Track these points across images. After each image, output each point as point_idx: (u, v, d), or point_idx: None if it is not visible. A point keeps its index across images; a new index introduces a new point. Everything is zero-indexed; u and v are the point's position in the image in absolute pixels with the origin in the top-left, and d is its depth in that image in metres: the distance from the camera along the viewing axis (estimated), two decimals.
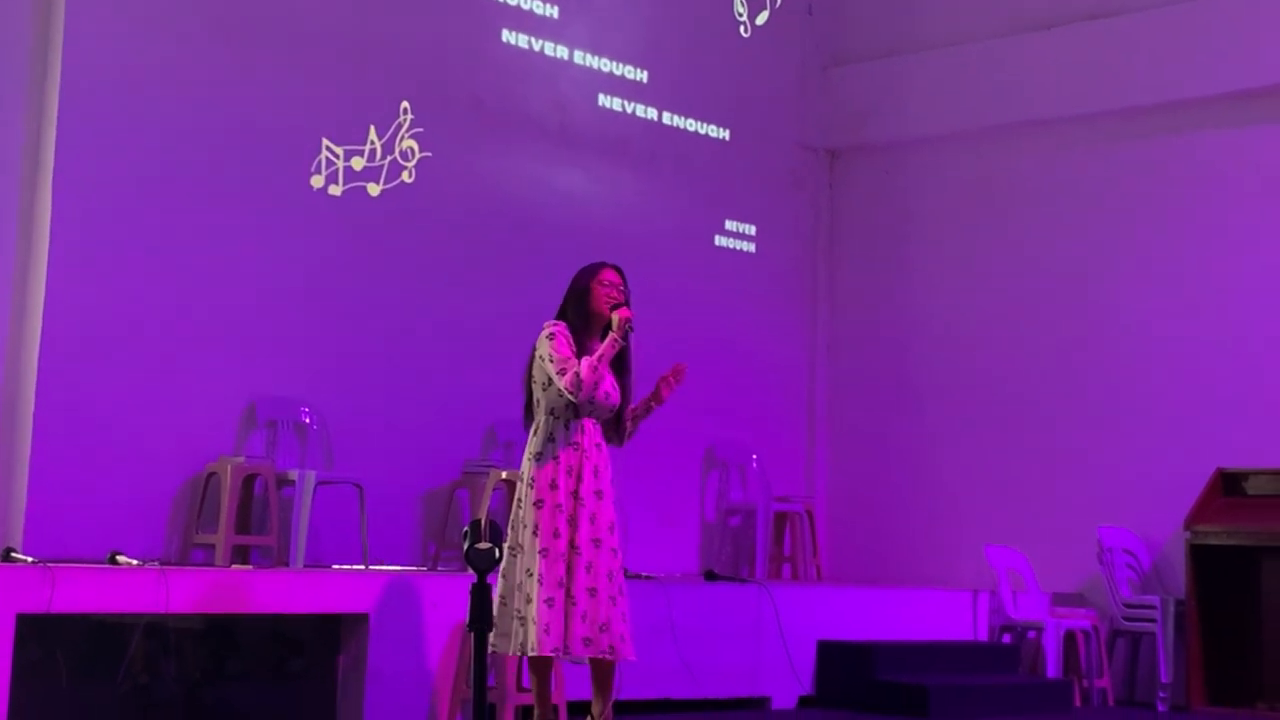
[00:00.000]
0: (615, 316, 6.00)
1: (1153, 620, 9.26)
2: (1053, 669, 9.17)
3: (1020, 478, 10.43)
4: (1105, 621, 9.54)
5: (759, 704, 8.30)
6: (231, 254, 8.23)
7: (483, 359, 9.18)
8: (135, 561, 6.70)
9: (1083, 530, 9.75)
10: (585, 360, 5.94)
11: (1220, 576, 9.28)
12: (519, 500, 6.01)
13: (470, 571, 5.23)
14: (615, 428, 6.15)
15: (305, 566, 7.77)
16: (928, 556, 10.67)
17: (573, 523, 5.96)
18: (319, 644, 7.02)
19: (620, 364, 6.09)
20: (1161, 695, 9.20)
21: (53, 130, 7.66)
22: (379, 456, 8.60)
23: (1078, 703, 9.08)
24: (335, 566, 7.97)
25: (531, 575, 5.88)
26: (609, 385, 6.03)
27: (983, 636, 9.49)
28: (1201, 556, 9.25)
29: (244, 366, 8.23)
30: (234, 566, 7.30)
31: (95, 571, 6.31)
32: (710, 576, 8.98)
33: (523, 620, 5.87)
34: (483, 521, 5.25)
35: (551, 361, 5.95)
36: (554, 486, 5.95)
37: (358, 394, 8.64)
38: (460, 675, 7.02)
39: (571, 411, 6.01)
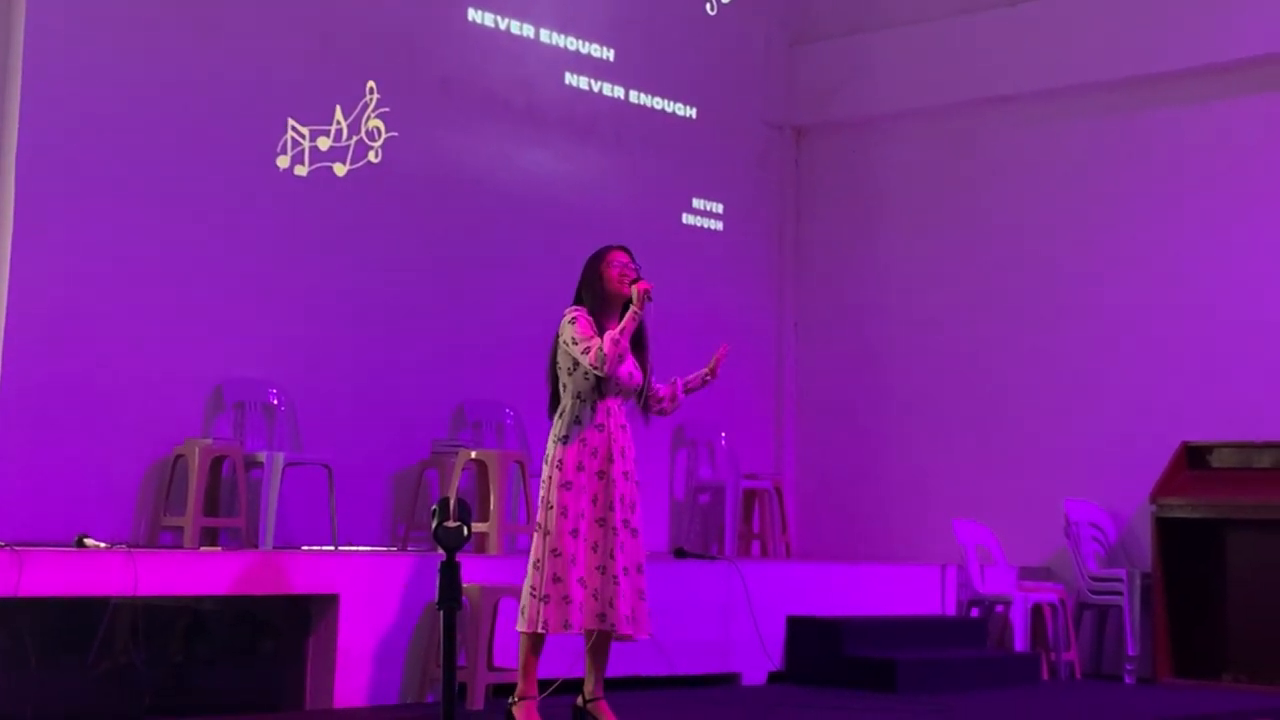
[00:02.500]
0: (634, 290, 6.09)
1: (1119, 593, 9.33)
2: (1020, 642, 9.22)
3: (987, 453, 10.49)
4: (1072, 595, 9.60)
5: (729, 680, 8.33)
6: (197, 235, 8.20)
7: (451, 339, 9.19)
8: (103, 544, 6.68)
9: (1049, 504, 9.82)
10: (607, 335, 6.04)
11: (1186, 549, 9.34)
12: (545, 481, 6.10)
13: (440, 550, 5.25)
14: (642, 404, 6.28)
15: (274, 548, 7.75)
16: (896, 532, 10.72)
17: (603, 503, 6.08)
18: (289, 625, 7.01)
19: (638, 342, 6.21)
20: (1128, 668, 9.27)
21: (15, 113, 7.61)
22: (347, 437, 8.60)
23: (1045, 676, 9.14)
24: (304, 548, 7.96)
25: (560, 556, 5.99)
26: (630, 365, 6.15)
27: (950, 611, 9.54)
28: (1167, 529, 9.32)
29: (211, 348, 8.21)
30: (203, 549, 7.29)
31: (63, 554, 6.29)
32: (680, 554, 9.00)
33: (545, 600, 5.96)
34: (451, 500, 5.27)
35: (575, 343, 6.05)
36: (581, 468, 6.07)
37: (325, 375, 8.63)
38: (430, 654, 7.03)
39: (597, 393, 6.11)
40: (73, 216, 7.77)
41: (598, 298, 6.19)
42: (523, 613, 6.05)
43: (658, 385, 6.33)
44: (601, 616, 6.04)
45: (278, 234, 8.54)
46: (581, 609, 5.97)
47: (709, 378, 6.35)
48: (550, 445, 6.15)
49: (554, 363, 6.22)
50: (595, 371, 6.04)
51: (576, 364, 6.10)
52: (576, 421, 6.11)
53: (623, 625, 6.04)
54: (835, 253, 11.45)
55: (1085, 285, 10.25)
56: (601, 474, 6.11)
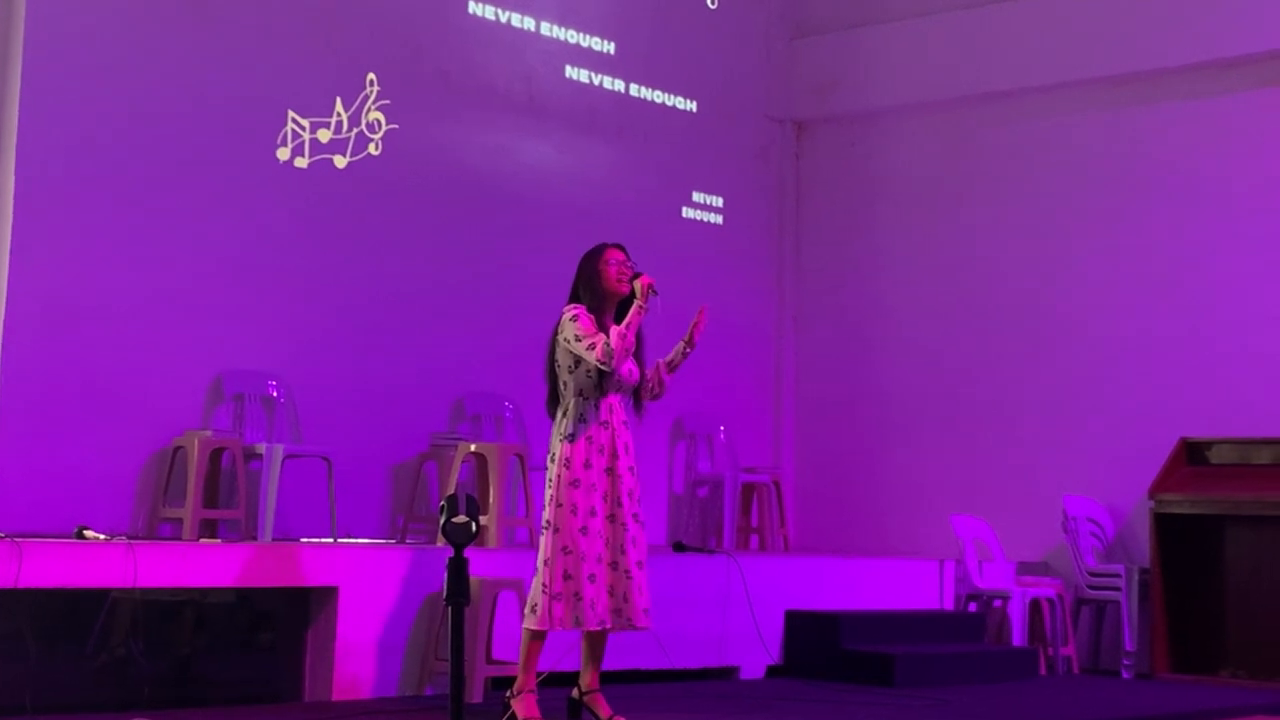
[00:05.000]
0: (638, 285, 6.11)
1: (1117, 589, 9.34)
2: (1018, 637, 9.22)
3: (986, 447, 10.49)
4: (1070, 590, 9.61)
5: (728, 674, 8.33)
6: (197, 226, 8.19)
7: (451, 331, 9.19)
8: (103, 536, 6.68)
9: (1048, 499, 9.82)
10: (614, 330, 6.05)
11: (1184, 545, 9.35)
12: (551, 480, 6.09)
13: (443, 544, 5.24)
14: (637, 402, 6.33)
15: (273, 540, 7.76)
16: (894, 526, 10.72)
17: (612, 499, 6.11)
18: (288, 617, 7.01)
19: (636, 338, 6.19)
20: (1126, 663, 9.29)
21: (15, 103, 7.60)
22: (346, 429, 8.60)
23: (1043, 671, 9.15)
24: (304, 540, 7.96)
25: (570, 553, 6.00)
26: (630, 362, 6.17)
27: (949, 605, 9.55)
28: (1165, 525, 9.32)
29: (210, 340, 8.21)
30: (202, 540, 7.29)
31: (63, 546, 6.29)
32: (678, 547, 9.00)
33: (557, 597, 5.97)
34: (459, 495, 5.25)
35: (579, 340, 6.05)
36: (588, 465, 6.08)
37: (325, 367, 8.63)
38: (429, 647, 7.03)
39: (599, 391, 6.12)
40: (73, 208, 7.76)
41: (596, 296, 6.18)
42: (533, 610, 6.03)
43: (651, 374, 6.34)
44: (617, 612, 6.06)
45: (278, 226, 8.53)
46: (593, 606, 5.98)
47: (688, 349, 6.27)
48: (555, 443, 6.15)
49: (553, 361, 6.21)
50: (602, 366, 6.02)
51: (578, 362, 6.10)
52: (581, 419, 6.11)
53: (639, 619, 6.08)
54: (835, 246, 11.45)
55: (1085, 279, 10.25)
56: (609, 470, 6.13)
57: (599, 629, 6.07)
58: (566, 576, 6.00)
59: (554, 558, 6.01)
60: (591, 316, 6.13)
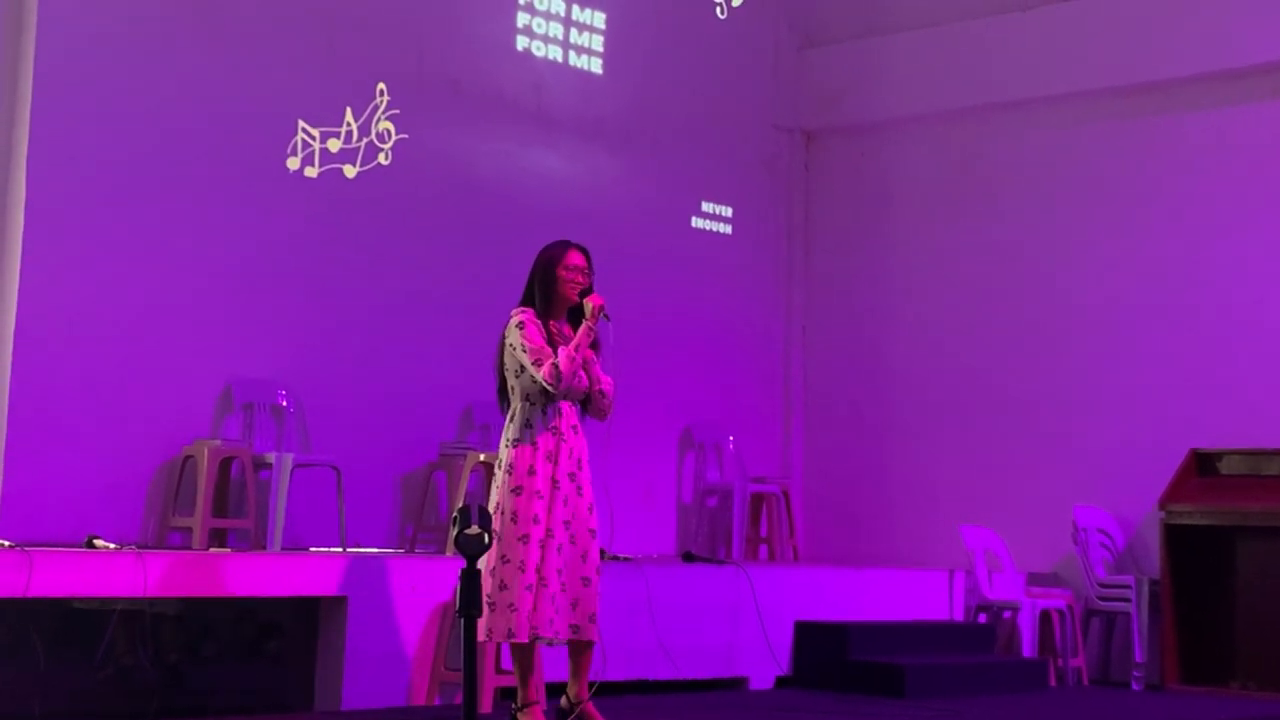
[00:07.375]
0: (588, 304, 6.00)
1: (1127, 600, 9.32)
2: (1028, 648, 9.21)
3: (995, 458, 10.47)
4: (1080, 601, 9.59)
5: (737, 684, 8.32)
6: (207, 236, 8.20)
7: (459, 341, 9.18)
8: (113, 545, 6.68)
9: (1058, 510, 9.80)
10: (563, 350, 5.93)
11: (1194, 556, 9.33)
12: (497, 485, 6.01)
13: (454, 555, 5.23)
14: (588, 406, 6.15)
15: (283, 549, 7.76)
16: (904, 537, 10.70)
17: (571, 509, 5.98)
18: (297, 626, 7.02)
19: (591, 346, 6.09)
20: (1136, 674, 9.27)
21: (26, 113, 7.62)
22: (356, 439, 8.60)
23: (1053, 682, 9.13)
24: (313, 549, 7.96)
25: (509, 561, 5.87)
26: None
27: (958, 616, 9.53)
28: (1176, 536, 9.30)
29: (220, 349, 8.21)
30: (211, 550, 7.29)
31: (72, 555, 6.29)
32: (687, 558, 8.99)
33: (492, 607, 5.84)
34: (471, 507, 5.24)
35: (525, 351, 5.95)
36: (532, 472, 5.95)
37: (334, 376, 8.63)
38: (438, 657, 7.03)
39: (546, 396, 6.01)
40: (83, 217, 7.77)
41: (548, 300, 6.07)
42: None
43: (604, 386, 6.13)
44: (575, 626, 5.94)
45: (287, 235, 8.54)
46: (530, 617, 5.83)
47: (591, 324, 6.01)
48: (502, 449, 6.04)
49: (501, 364, 6.10)
50: (549, 387, 5.92)
51: (524, 367, 5.99)
52: (528, 424, 5.99)
53: (588, 631, 5.95)
54: (844, 257, 11.44)
55: (1094, 290, 10.24)
56: (553, 479, 5.98)
57: (526, 640, 5.88)
58: (502, 586, 5.85)
59: (497, 567, 5.88)
60: (539, 324, 6.00)
